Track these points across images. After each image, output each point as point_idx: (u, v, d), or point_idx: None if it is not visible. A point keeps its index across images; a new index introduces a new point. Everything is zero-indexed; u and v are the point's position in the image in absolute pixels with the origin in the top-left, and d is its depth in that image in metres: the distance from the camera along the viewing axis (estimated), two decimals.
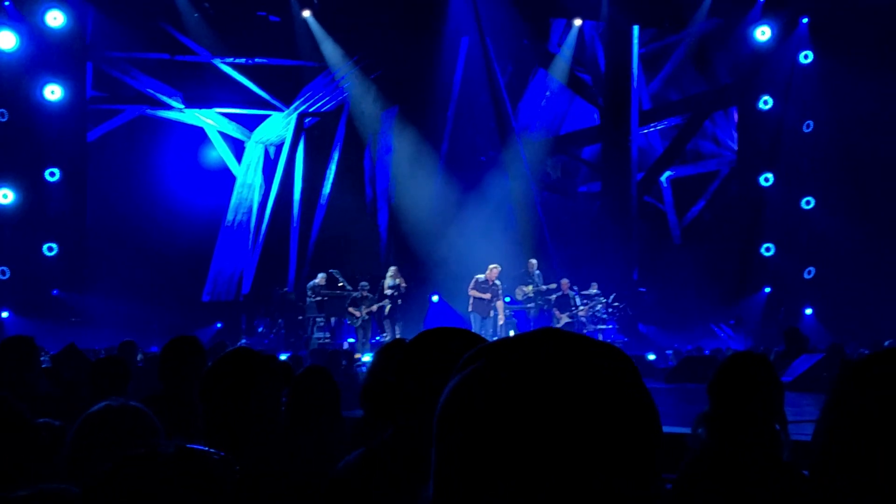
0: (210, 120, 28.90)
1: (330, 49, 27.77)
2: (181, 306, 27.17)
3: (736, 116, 29.44)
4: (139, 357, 14.55)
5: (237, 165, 29.40)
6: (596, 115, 30.11)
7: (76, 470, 3.54)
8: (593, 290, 25.61)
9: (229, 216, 28.97)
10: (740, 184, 28.55)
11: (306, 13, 27.12)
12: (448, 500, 1.32)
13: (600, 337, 23.21)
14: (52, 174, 24.73)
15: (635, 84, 29.07)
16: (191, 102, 28.35)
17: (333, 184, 29.76)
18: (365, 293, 24.35)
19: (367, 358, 19.18)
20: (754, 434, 4.00)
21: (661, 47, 30.27)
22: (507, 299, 24.75)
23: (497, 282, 23.53)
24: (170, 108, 28.37)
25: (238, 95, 28.81)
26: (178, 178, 28.30)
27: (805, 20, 27.01)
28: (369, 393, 5.18)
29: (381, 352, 5.18)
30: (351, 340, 24.67)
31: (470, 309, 23.43)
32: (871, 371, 1.46)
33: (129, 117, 28.43)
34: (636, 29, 28.67)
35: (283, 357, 15.49)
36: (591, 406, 1.28)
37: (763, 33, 26.97)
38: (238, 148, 29.48)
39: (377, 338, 23.98)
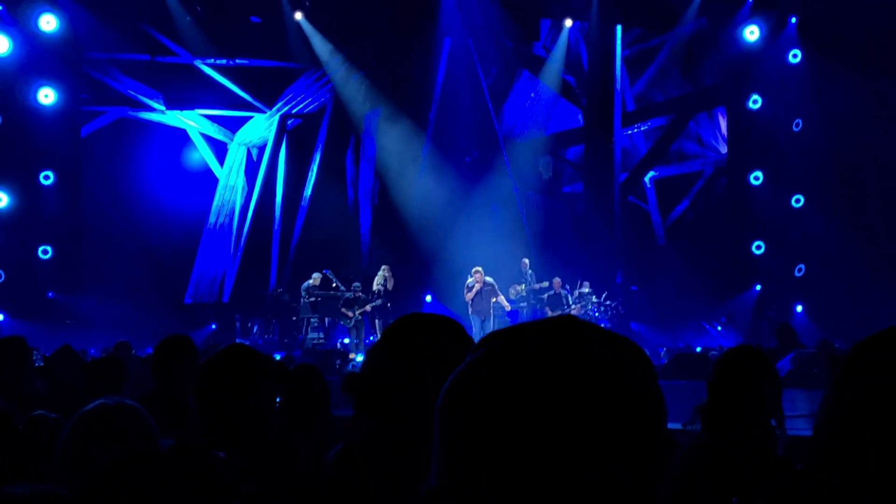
0: (192, 121, 28.68)
1: (321, 50, 27.71)
2: (174, 309, 27.21)
3: (720, 117, 29.52)
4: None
5: (219, 167, 29.20)
6: (580, 117, 30.11)
7: (71, 467, 3.57)
8: (585, 289, 25.62)
9: (211, 218, 28.77)
10: (730, 182, 28.58)
11: (298, 15, 27.13)
12: (456, 485, 1.30)
13: None
14: (47, 177, 24.76)
15: (619, 85, 29.20)
16: (172, 104, 28.12)
17: (315, 185, 29.59)
18: (358, 294, 24.36)
19: (360, 358, 19.19)
20: (749, 428, 4.01)
21: (645, 49, 30.26)
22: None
23: (488, 279, 23.55)
24: (151, 109, 28.13)
25: (220, 97, 28.58)
26: (160, 180, 28.05)
27: (793, 20, 27.06)
28: (354, 385, 5.20)
29: (371, 352, 5.20)
30: (345, 341, 24.66)
31: (470, 312, 23.48)
32: (858, 360, 1.43)
33: (110, 119, 28.28)
34: (619, 30, 28.74)
35: (276, 358, 15.49)
36: (607, 396, 1.27)
37: (752, 33, 27.01)
38: (221, 150, 29.27)
39: (371, 338, 23.96)
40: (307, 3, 27.14)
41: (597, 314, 25.20)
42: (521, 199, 29.83)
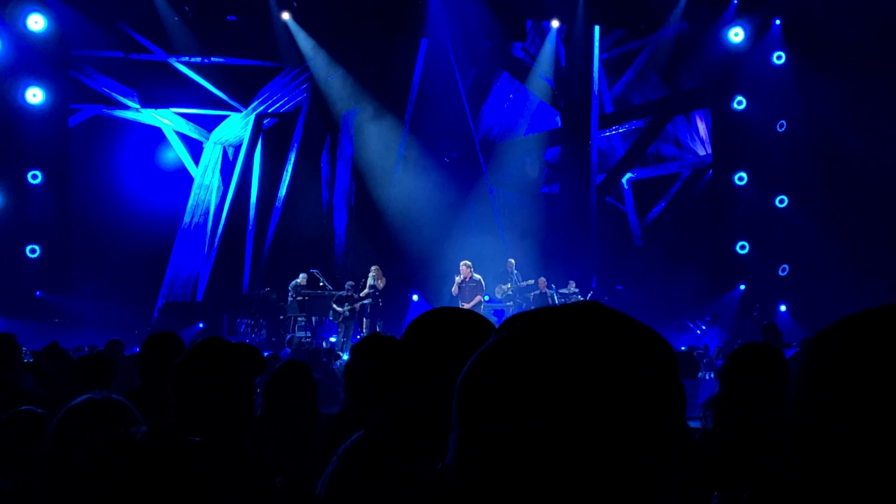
0: (167, 120, 28.37)
1: (306, 49, 27.67)
2: (162, 307, 27.20)
3: (698, 121, 29.62)
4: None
5: (195, 166, 28.90)
6: (558, 118, 30.14)
7: (58, 460, 3.57)
8: (571, 289, 25.63)
9: (186, 218, 28.46)
10: (715, 183, 28.66)
11: (286, 15, 27.12)
12: (474, 474, 1.30)
13: None
14: (35, 177, 24.72)
15: (596, 87, 29.29)
16: (147, 102, 27.84)
17: (290, 186, 29.31)
18: (351, 292, 24.36)
19: (346, 357, 19.18)
20: (762, 423, 4.02)
21: (624, 52, 30.28)
22: (487, 298, 24.80)
23: (476, 276, 23.57)
24: (126, 107, 27.82)
25: (196, 95, 28.31)
26: (136, 179, 27.75)
27: (778, 22, 27.17)
28: (350, 378, 5.22)
29: (357, 346, 5.23)
30: (332, 339, 24.64)
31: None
32: (821, 346, 1.44)
33: (85, 117, 27.84)
34: (597, 32, 28.77)
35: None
36: (631, 381, 1.26)
37: (737, 34, 27.11)
38: (196, 148, 28.97)
39: (357, 336, 23.95)
40: (294, 4, 27.10)
41: None
42: (498, 200, 29.78)
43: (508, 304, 25.33)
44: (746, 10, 27.00)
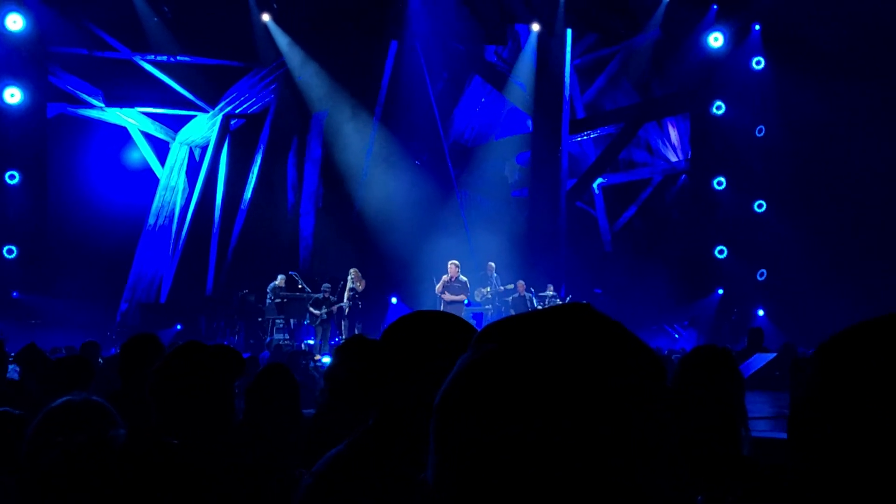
0: (132, 119, 28.01)
1: (285, 51, 27.59)
2: (139, 308, 27.13)
3: (670, 127, 29.71)
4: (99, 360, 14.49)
5: (160, 167, 28.60)
6: (529, 122, 30.16)
7: (35, 462, 3.58)
8: (549, 292, 25.66)
9: (151, 219, 28.18)
10: (693, 187, 28.75)
11: (266, 17, 27.09)
12: (454, 491, 1.26)
13: None
14: (12, 177, 24.66)
15: (567, 92, 29.29)
16: (112, 101, 27.46)
17: (255, 188, 28.99)
18: (327, 294, 24.36)
19: (326, 360, 19.15)
20: (714, 427, 4.04)
21: (596, 59, 30.30)
22: (466, 301, 24.82)
23: (463, 277, 23.60)
24: (90, 106, 27.44)
25: (162, 95, 27.97)
26: (101, 179, 27.36)
27: (757, 27, 27.28)
28: (332, 380, 5.23)
29: (341, 348, 5.24)
30: (310, 342, 24.61)
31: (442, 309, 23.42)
32: (833, 357, 1.35)
33: (49, 115, 26.89)
34: (569, 38, 28.80)
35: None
36: (618, 401, 1.24)
37: (716, 40, 27.21)
38: (162, 149, 28.65)
39: (336, 339, 23.93)
40: (275, 6, 27.07)
41: None
42: (469, 203, 29.79)
43: (487, 307, 25.35)
44: (726, 15, 27.10)
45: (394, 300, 27.60)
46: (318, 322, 24.45)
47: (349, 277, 24.51)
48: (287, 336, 24.62)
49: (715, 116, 27.76)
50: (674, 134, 29.80)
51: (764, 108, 27.28)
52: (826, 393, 1.31)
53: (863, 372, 1.28)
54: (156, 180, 28.12)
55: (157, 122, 28.07)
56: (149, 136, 28.02)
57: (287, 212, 29.40)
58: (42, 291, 24.94)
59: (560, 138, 29.37)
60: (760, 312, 27.03)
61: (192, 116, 28.44)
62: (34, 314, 24.34)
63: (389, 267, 27.28)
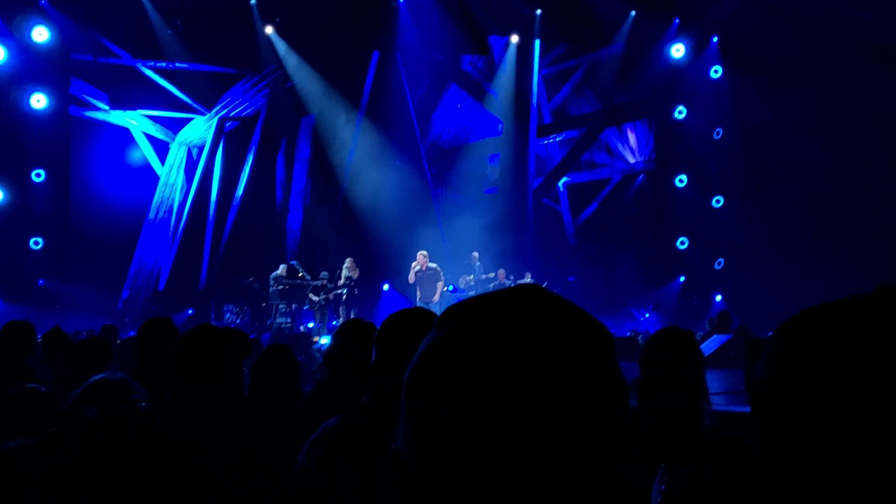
0: (135, 121, 27.70)
1: (288, 61, 27.59)
2: (154, 294, 27.13)
3: (629, 132, 29.78)
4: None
5: (160, 165, 28.22)
6: (500, 126, 30.18)
7: (75, 425, 3.63)
8: (528, 279, 25.73)
9: (151, 214, 27.90)
10: (657, 184, 28.83)
11: (269, 29, 27.09)
12: (419, 460, 1.27)
13: None
14: (38, 175, 24.83)
15: (535, 100, 29.44)
16: (116, 104, 27.23)
17: (247, 185, 28.87)
18: (325, 282, 24.40)
19: (324, 340, 19.15)
20: (679, 400, 4.05)
21: (562, 69, 30.26)
22: (451, 287, 24.85)
23: (432, 264, 23.62)
24: (96, 108, 27.12)
25: (163, 99, 27.79)
26: (106, 176, 26.98)
27: (715, 39, 27.36)
28: (331, 360, 5.23)
29: (340, 329, 5.25)
30: (310, 325, 24.63)
31: (418, 296, 23.48)
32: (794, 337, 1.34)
33: None
34: (537, 50, 28.83)
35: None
36: (567, 373, 1.23)
37: (678, 50, 27.29)
38: (163, 148, 28.25)
39: (333, 322, 23.96)
40: (277, 19, 27.08)
41: None
42: (444, 200, 29.78)
43: (471, 293, 25.35)
44: (687, 28, 27.18)
45: (385, 287, 27.66)
46: (316, 307, 24.53)
47: (345, 266, 24.56)
48: (289, 320, 24.63)
49: (677, 120, 27.87)
50: (632, 138, 29.85)
51: (721, 112, 27.37)
52: (783, 368, 1.31)
53: (816, 349, 1.28)
54: (156, 177, 27.90)
55: (157, 124, 27.83)
56: (150, 137, 27.77)
57: (276, 207, 29.29)
58: (63, 279, 25.03)
59: (528, 141, 29.57)
60: (718, 298, 27.14)
61: (190, 119, 28.14)
62: (57, 300, 24.43)
63: (379, 256, 27.29)
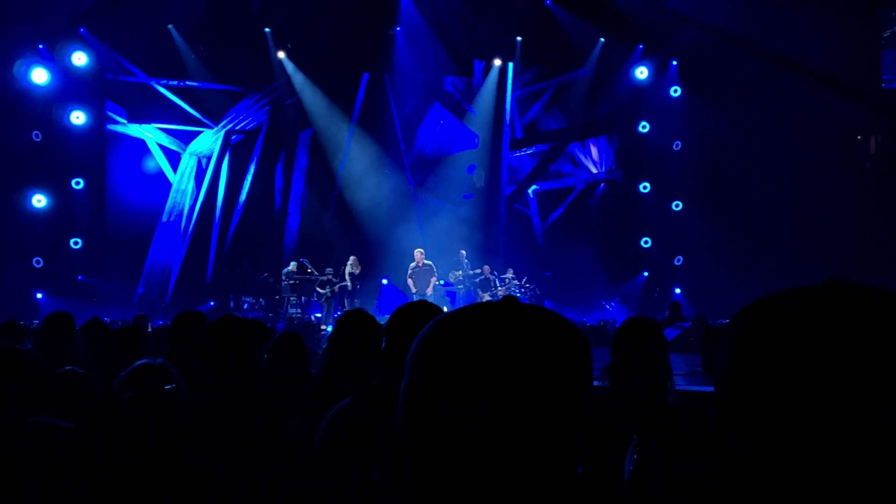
0: (150, 134, 27.62)
1: (296, 80, 27.62)
2: (178, 288, 27.14)
3: (592, 146, 29.89)
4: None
5: (173, 174, 28.12)
6: (477, 140, 30.20)
7: (119, 405, 3.65)
8: (509, 275, 25.75)
9: (164, 217, 27.84)
10: (623, 190, 28.89)
11: (281, 54, 27.14)
12: (414, 438, 1.30)
13: None
14: (78, 183, 25.06)
15: (508, 117, 29.50)
16: (133, 118, 27.16)
17: (249, 193, 28.79)
18: (330, 277, 24.42)
19: (330, 328, 19.14)
20: (646, 381, 4.07)
21: (533, 90, 30.23)
22: (442, 282, 24.87)
23: (427, 262, 23.65)
24: (116, 122, 27.03)
25: (175, 113, 27.69)
26: (125, 182, 27.09)
27: (674, 62, 27.43)
28: (332, 346, 5.24)
29: (341, 318, 5.25)
30: (318, 315, 24.62)
31: (413, 291, 23.49)
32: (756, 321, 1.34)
33: None
34: (511, 72, 28.86)
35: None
36: (550, 376, 1.26)
37: (642, 72, 27.32)
38: (175, 158, 28.11)
39: (338, 313, 23.96)
40: (289, 46, 27.11)
41: (518, 294, 25.30)
42: (426, 205, 29.78)
43: (459, 286, 25.41)
44: (650, 53, 27.24)
45: (385, 281, 27.67)
46: (323, 299, 24.52)
47: (349, 263, 24.57)
48: (299, 311, 24.62)
49: (641, 134, 27.90)
50: (594, 151, 29.94)
51: (680, 127, 27.43)
52: (741, 349, 1.32)
53: (772, 333, 1.28)
54: (168, 184, 27.80)
55: (170, 136, 27.71)
56: (164, 148, 27.66)
57: (275, 212, 29.24)
58: (99, 275, 25.13)
59: (502, 153, 29.65)
60: (678, 290, 27.17)
61: (200, 132, 28.01)
62: (94, 293, 24.52)
63: (377, 254, 27.32)
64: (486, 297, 24.28)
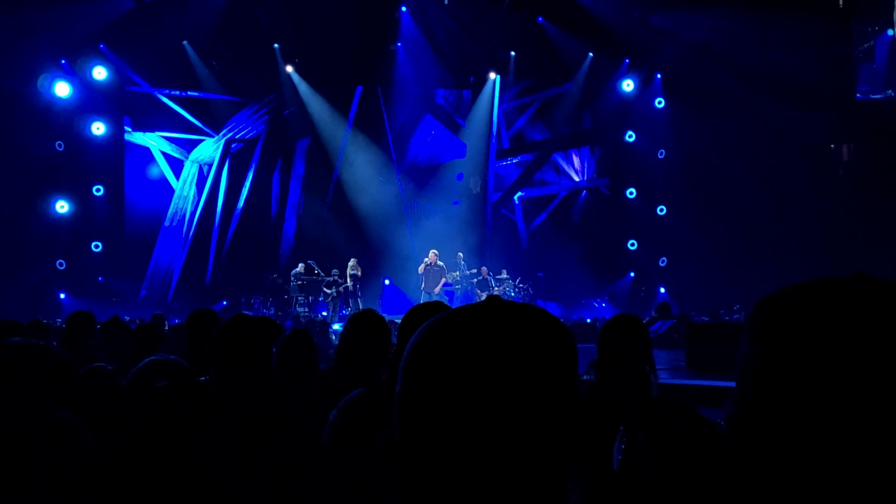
0: (153, 142, 27.49)
1: (302, 91, 27.63)
2: (190, 288, 27.11)
3: (574, 156, 29.90)
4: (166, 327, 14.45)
5: (175, 180, 27.97)
6: (465, 149, 30.22)
7: (134, 399, 3.65)
8: (504, 275, 25.77)
9: (167, 221, 27.71)
10: (611, 195, 28.89)
11: (289, 68, 27.14)
12: (409, 426, 1.27)
13: None
14: (98, 190, 25.12)
15: (495, 129, 29.46)
16: (137, 127, 27.05)
17: (247, 199, 28.65)
18: (336, 278, 24.45)
19: (336, 326, 19.14)
20: (630, 375, 4.07)
21: (519, 104, 30.21)
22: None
23: (440, 263, 23.66)
24: (123, 131, 26.91)
25: (178, 122, 27.60)
26: (130, 188, 26.85)
27: (659, 76, 27.44)
28: (341, 343, 5.24)
29: (351, 318, 5.25)
30: (324, 314, 24.63)
31: (422, 287, 23.51)
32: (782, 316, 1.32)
33: None
34: (497, 87, 28.83)
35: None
36: (541, 376, 1.23)
37: (628, 85, 27.34)
38: (178, 165, 28.00)
39: (343, 311, 24.00)
40: (297, 60, 27.12)
41: (513, 294, 25.29)
42: (418, 210, 29.76)
43: (457, 286, 25.40)
44: (636, 66, 27.26)
45: (386, 281, 27.69)
46: (329, 299, 24.54)
47: (349, 265, 24.64)
48: (306, 309, 24.63)
49: (627, 143, 27.93)
50: (577, 160, 29.98)
51: (664, 136, 27.45)
52: (774, 343, 1.30)
53: (799, 324, 1.28)
54: (171, 190, 27.68)
55: (173, 144, 27.60)
56: (167, 155, 27.52)
57: (272, 218, 29.18)
58: (121, 276, 25.19)
59: (489, 162, 29.68)
60: (662, 290, 27.18)
61: (201, 140, 27.93)
62: (114, 293, 24.57)
63: (375, 256, 27.35)
64: (484, 297, 24.23)
